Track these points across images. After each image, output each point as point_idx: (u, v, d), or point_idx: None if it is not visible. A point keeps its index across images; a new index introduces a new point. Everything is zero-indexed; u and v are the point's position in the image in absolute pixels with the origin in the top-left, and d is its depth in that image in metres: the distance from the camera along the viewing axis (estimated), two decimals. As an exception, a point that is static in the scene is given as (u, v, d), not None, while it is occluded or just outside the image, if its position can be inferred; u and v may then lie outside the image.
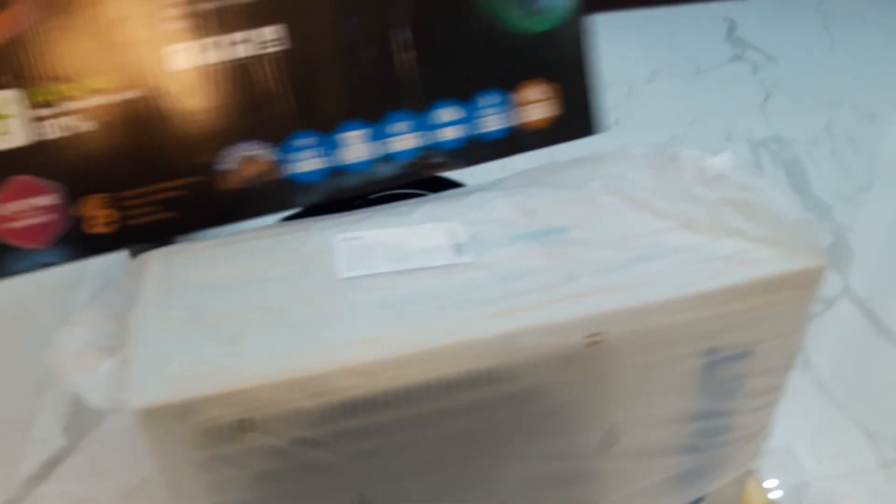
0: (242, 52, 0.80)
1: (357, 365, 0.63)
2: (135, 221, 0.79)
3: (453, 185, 0.97)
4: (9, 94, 0.74)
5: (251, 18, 0.79)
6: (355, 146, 0.86)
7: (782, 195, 0.78)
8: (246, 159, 0.82)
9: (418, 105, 0.86)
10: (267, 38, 0.80)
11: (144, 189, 0.79)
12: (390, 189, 0.89)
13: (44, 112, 0.75)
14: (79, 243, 0.78)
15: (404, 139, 0.87)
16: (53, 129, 0.75)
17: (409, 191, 0.90)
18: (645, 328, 0.68)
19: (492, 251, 0.74)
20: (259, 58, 0.80)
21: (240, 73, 0.80)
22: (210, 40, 0.78)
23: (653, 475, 0.82)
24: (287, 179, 0.84)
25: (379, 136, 0.86)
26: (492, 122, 0.89)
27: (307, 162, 0.84)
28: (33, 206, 0.76)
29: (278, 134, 0.82)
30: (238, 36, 0.79)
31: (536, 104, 0.90)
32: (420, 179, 0.89)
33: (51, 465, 1.17)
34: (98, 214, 0.78)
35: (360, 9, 0.82)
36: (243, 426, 0.62)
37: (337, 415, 0.64)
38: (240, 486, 0.65)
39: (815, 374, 1.29)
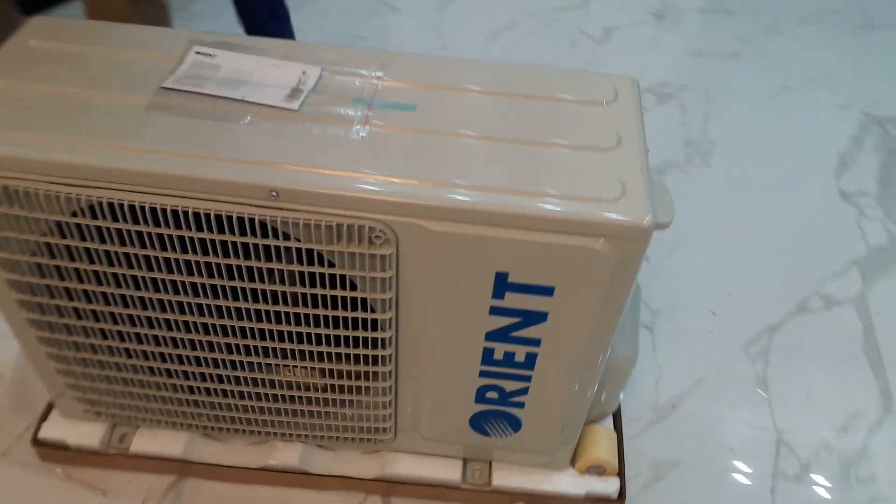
0: None
1: (115, 169, 0.64)
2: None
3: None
4: None
5: None
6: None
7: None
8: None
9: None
10: None
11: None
12: None
13: None
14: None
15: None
16: None
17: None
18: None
19: (319, 105, 0.71)
20: None
21: None
22: None
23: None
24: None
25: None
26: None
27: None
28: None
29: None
30: None
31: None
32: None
33: None
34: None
35: None
36: (7, 194, 0.65)
37: (87, 207, 0.66)
38: (14, 250, 0.70)
39: (766, 367, 1.17)
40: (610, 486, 0.93)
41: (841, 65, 1.89)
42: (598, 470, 0.94)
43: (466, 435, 0.89)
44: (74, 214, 0.66)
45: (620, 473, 0.94)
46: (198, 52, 0.76)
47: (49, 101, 0.69)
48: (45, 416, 0.94)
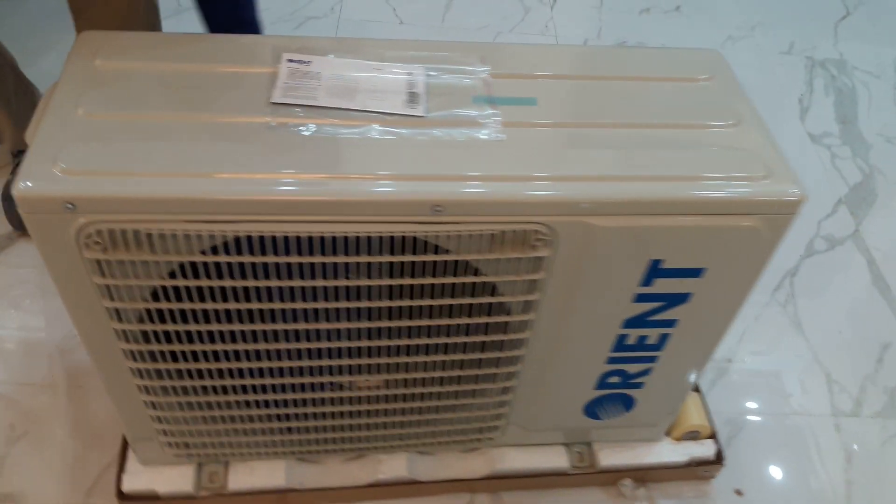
0: None
1: (264, 201, 0.58)
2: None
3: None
4: None
5: None
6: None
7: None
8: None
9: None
10: None
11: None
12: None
13: None
14: None
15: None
16: None
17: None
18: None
19: (443, 108, 0.67)
20: None
21: None
22: None
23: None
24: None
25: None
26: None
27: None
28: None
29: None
30: None
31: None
32: None
33: None
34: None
35: None
36: (137, 239, 0.59)
37: (223, 244, 0.60)
38: (134, 296, 0.63)
39: (796, 310, 1.24)
40: (707, 448, 0.96)
41: (775, 13, 2.00)
42: (693, 435, 0.96)
43: (576, 421, 0.89)
44: (214, 251, 0.60)
45: (713, 435, 0.97)
46: (290, 61, 0.70)
47: (156, 130, 0.62)
48: (121, 467, 0.87)
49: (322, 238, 0.61)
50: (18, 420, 0.96)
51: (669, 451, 0.95)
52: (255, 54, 0.70)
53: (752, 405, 1.10)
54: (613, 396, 0.85)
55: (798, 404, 1.10)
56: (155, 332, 0.67)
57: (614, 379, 0.82)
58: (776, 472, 1.02)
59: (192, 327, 0.67)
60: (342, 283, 0.64)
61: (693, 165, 0.65)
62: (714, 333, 0.78)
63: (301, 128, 0.64)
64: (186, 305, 0.64)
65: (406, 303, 0.68)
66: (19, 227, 1.22)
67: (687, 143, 0.67)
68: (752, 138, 0.69)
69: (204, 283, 0.63)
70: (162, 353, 0.69)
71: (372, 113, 0.66)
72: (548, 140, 0.66)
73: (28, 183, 0.56)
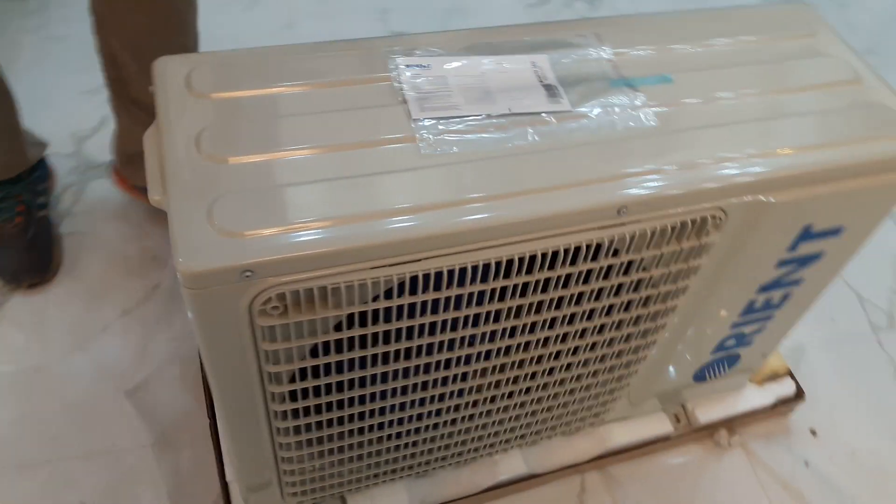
0: None
1: (451, 234, 0.52)
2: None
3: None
4: None
5: None
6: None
7: None
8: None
9: None
10: None
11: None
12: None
13: None
14: None
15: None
16: None
17: None
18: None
19: (585, 97, 0.63)
20: None
21: None
22: None
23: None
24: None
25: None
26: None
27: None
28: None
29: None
30: None
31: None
32: None
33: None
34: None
35: None
36: (323, 295, 0.52)
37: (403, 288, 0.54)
38: (303, 355, 0.56)
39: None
40: (788, 387, 1.00)
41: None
42: (772, 376, 0.99)
43: (681, 385, 0.89)
44: (388, 294, 0.54)
45: (790, 372, 1.00)
46: (408, 66, 0.63)
47: (304, 168, 0.54)
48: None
49: (499, 262, 0.56)
50: (119, 483, 0.86)
51: (758, 396, 0.98)
52: (361, 62, 0.62)
53: (802, 335, 1.14)
54: (723, 358, 0.86)
55: (841, 326, 1.16)
56: (312, 387, 0.60)
57: (731, 342, 0.83)
58: (844, 395, 1.07)
59: (354, 374, 0.60)
60: (517, 302, 0.60)
61: (852, 127, 0.64)
62: (825, 284, 0.79)
63: (458, 145, 0.57)
64: (356, 354, 0.58)
65: (569, 311, 0.64)
66: (12, 279, 1.05)
67: (832, 106, 0.66)
68: (881, 93, 0.68)
69: (379, 328, 0.56)
70: (314, 406, 0.63)
71: (520, 115, 0.60)
72: (701, 119, 0.63)
73: (194, 256, 0.48)
